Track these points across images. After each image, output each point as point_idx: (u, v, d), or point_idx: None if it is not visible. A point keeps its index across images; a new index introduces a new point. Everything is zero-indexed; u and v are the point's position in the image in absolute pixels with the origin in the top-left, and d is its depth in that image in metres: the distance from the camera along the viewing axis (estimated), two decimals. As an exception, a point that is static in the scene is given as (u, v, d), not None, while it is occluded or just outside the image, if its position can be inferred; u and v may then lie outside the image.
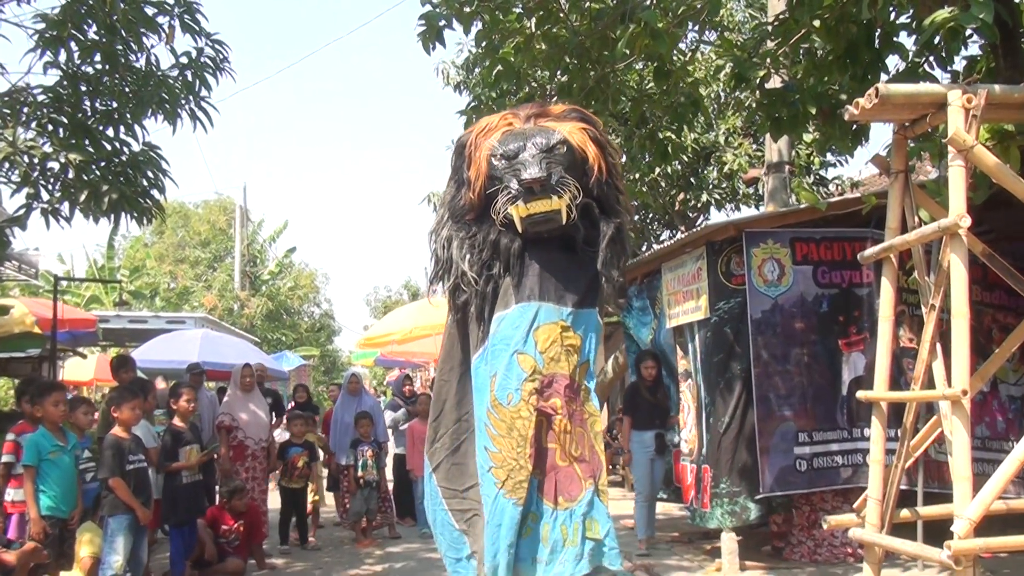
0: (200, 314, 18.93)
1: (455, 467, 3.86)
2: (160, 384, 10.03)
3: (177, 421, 7.56)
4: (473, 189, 3.68)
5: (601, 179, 3.70)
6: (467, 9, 6.78)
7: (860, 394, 4.84)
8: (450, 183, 3.91)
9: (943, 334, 4.24)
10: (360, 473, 9.18)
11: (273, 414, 10.06)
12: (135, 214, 7.45)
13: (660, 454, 8.34)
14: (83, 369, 16.29)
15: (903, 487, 4.77)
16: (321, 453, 10.34)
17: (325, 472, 10.83)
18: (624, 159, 13.03)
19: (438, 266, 3.83)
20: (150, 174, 7.53)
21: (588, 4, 7.28)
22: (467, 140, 3.82)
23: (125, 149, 7.47)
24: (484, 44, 7.29)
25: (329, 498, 10.88)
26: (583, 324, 3.66)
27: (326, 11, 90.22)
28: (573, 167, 3.61)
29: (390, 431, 10.58)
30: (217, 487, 8.43)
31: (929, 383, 4.32)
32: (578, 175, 3.61)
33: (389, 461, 10.31)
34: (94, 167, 7.14)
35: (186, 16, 7.32)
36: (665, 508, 9.73)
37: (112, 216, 7.27)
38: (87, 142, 7.09)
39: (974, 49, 6.35)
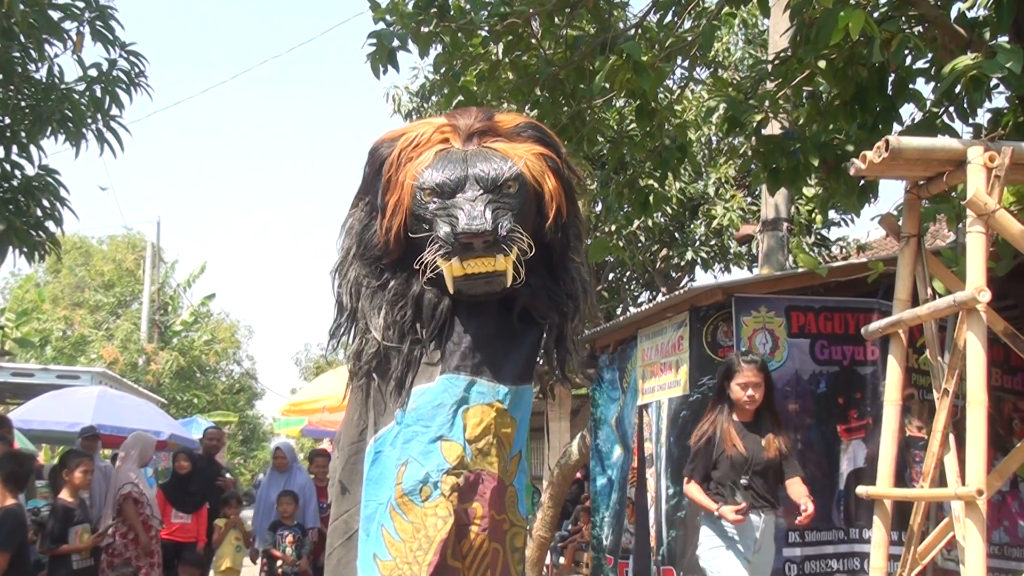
0: (98, 368, 18.66)
1: None
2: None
3: (66, 495, 7.39)
4: (390, 227, 3.16)
5: (559, 222, 3.24)
6: (424, 29, 6.84)
7: (860, 490, 4.85)
8: (359, 204, 3.35)
9: (957, 423, 4.27)
10: (279, 564, 9.03)
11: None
12: (25, 249, 7.38)
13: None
14: (-48, 429, 15.96)
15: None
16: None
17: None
18: (599, 208, 13.15)
19: (341, 316, 3.31)
20: (45, 202, 7.49)
21: (564, 31, 7.37)
22: (387, 153, 3.22)
23: (17, 173, 7.42)
24: (443, 70, 7.34)
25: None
26: (520, 406, 3.18)
27: (262, 25, 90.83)
28: (525, 209, 3.13)
29: None
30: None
31: (940, 480, 4.34)
32: (530, 218, 3.15)
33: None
34: (-21, 192, 7.08)
35: (98, 23, 7.34)
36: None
37: (-3, 250, 7.19)
38: (-29, 163, 7.04)
39: (999, 101, 6.48)
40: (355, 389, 3.37)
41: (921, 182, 4.55)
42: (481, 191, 3.03)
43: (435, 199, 3.06)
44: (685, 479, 5.85)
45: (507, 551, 3.13)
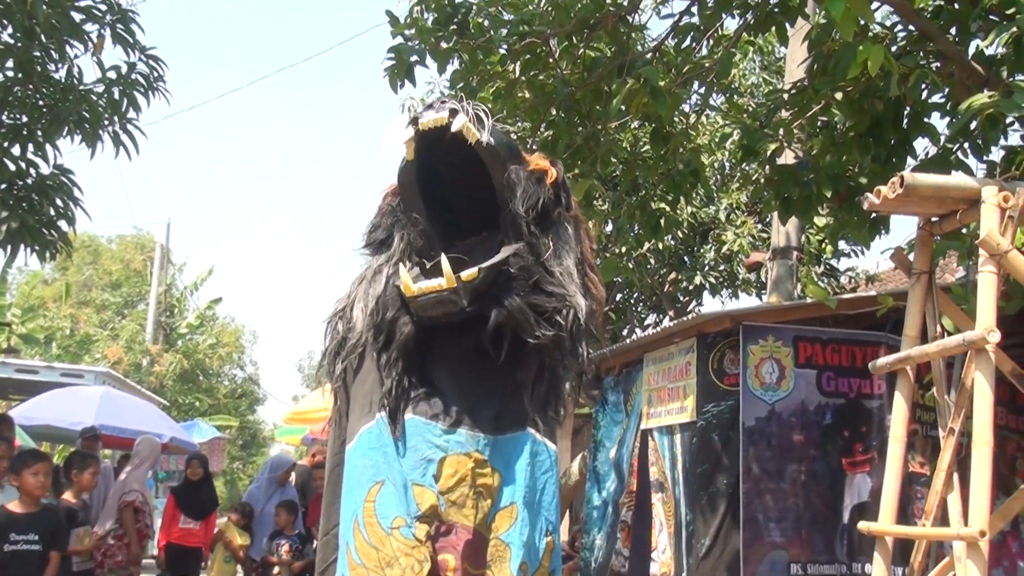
0: (102, 368, 18.62)
1: None
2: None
3: (70, 496, 7.38)
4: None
5: (551, 217, 3.12)
6: (444, 45, 6.86)
7: (862, 525, 4.83)
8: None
9: (960, 461, 4.26)
10: (276, 571, 9.06)
11: None
12: (36, 247, 7.40)
13: None
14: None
15: (906, 638, 4.73)
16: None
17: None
18: (610, 229, 13.16)
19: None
20: (59, 202, 7.50)
21: (582, 51, 7.39)
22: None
23: (32, 171, 7.43)
24: (460, 86, 7.36)
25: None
26: (504, 456, 3.03)
27: (280, 34, 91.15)
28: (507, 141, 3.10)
29: None
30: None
31: (942, 518, 4.32)
32: (512, 155, 3.08)
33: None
34: (-7, 189, 7.10)
35: (119, 26, 7.36)
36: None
37: (9, 247, 7.20)
38: (-13, 160, 7.06)
39: (1015, 139, 6.48)
40: (334, 398, 3.32)
41: (934, 219, 4.55)
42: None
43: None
44: None
45: None
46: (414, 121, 2.96)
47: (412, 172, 3.08)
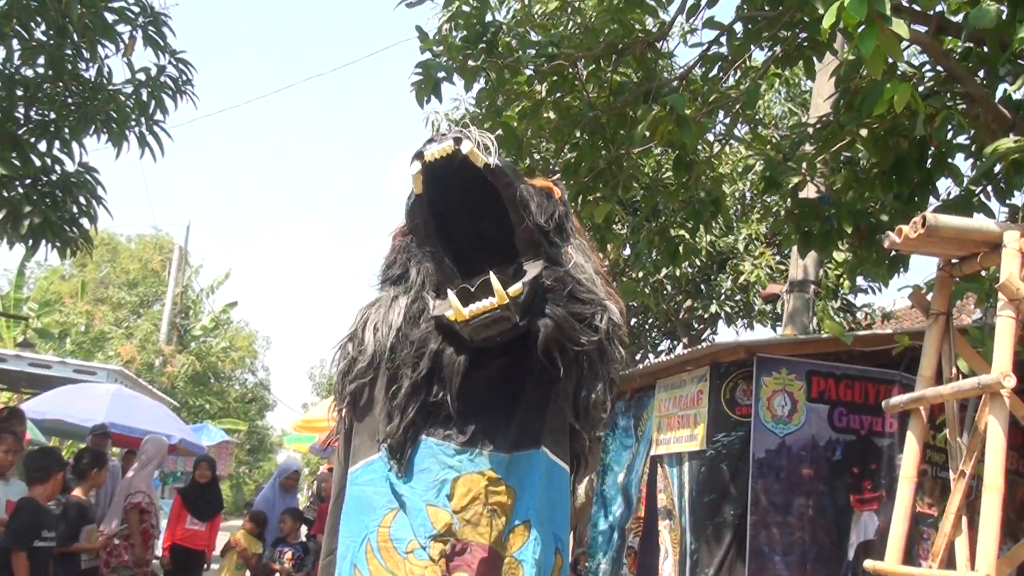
0: (115, 366, 18.65)
1: None
2: None
3: (80, 493, 7.40)
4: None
5: (564, 231, 3.13)
6: (471, 63, 6.89)
7: (868, 564, 4.81)
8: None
9: (969, 505, 4.24)
10: None
11: None
12: (58, 243, 7.43)
13: None
14: (-35, 415, 15.99)
15: None
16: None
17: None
18: (627, 253, 13.18)
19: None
20: (82, 199, 7.54)
21: (609, 76, 7.41)
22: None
23: (57, 168, 7.48)
24: (486, 104, 7.38)
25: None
26: (518, 474, 3.01)
27: (310, 43, 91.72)
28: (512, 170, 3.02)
29: None
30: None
31: (949, 560, 4.30)
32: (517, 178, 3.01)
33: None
34: (18, 184, 7.14)
35: (151, 28, 7.42)
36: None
37: (31, 242, 7.24)
38: (14, 154, 7.09)
39: (1038, 183, 6.46)
40: (342, 419, 3.28)
41: (954, 260, 4.54)
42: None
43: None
44: None
45: None
46: (419, 155, 2.93)
47: (422, 205, 3.05)
